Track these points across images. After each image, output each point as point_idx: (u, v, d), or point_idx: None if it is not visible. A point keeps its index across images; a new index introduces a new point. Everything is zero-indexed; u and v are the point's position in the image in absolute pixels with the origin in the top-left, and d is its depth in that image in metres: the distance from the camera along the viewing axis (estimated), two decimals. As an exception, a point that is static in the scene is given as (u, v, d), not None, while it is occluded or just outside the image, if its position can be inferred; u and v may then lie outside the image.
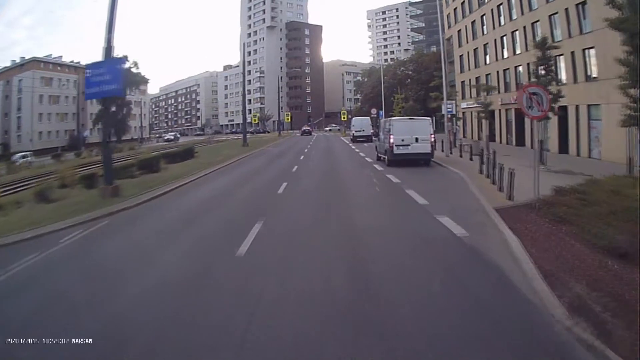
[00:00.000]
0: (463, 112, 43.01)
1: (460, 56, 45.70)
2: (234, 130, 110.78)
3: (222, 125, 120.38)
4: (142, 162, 21.62)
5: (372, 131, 41.11)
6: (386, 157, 19.93)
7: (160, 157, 23.66)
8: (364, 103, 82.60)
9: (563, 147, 28.37)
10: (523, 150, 30.60)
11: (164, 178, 18.33)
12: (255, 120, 74.83)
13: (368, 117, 44.80)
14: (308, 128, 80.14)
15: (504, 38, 37.00)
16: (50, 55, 79.72)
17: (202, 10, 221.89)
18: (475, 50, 42.52)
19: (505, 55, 36.89)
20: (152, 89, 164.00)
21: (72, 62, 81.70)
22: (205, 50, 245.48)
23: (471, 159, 20.35)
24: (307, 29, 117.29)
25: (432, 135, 19.15)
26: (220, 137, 70.84)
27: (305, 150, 33.66)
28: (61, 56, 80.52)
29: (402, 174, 16.68)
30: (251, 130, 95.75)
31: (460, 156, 22.53)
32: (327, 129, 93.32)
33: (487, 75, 39.92)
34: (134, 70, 70.50)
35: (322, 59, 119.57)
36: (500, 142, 36.36)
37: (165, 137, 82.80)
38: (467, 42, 44.19)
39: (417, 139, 18.76)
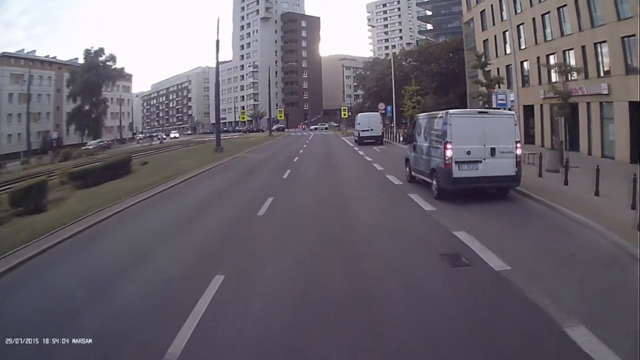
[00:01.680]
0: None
1: (485, 41, 38.64)
2: (225, 129, 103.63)
3: (213, 124, 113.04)
4: (17, 195, 12.86)
5: (382, 130, 33.83)
6: (433, 181, 11.64)
7: (43, 182, 13.76)
8: (367, 98, 75.50)
9: (635, 155, 21.32)
10: (582, 157, 23.42)
11: (19, 234, 9.78)
12: (243, 118, 67.59)
13: (377, 113, 37.03)
14: (282, 126, 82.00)
15: (547, 17, 30.01)
16: (48, 55, 72.78)
17: (197, 5, 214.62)
18: (504, 33, 35.38)
19: (549, 38, 29.87)
20: (145, 86, 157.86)
21: (47, 57, 74.34)
22: (200, 47, 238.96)
23: (566, 183, 12.39)
24: (304, 21, 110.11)
25: (519, 145, 10.88)
26: (204, 138, 63.14)
27: (295, 160, 24.35)
28: (34, 51, 73.08)
29: (484, 227, 8.45)
30: (244, 129, 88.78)
31: (540, 175, 14.08)
32: (313, 127, 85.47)
33: (522, 62, 32.91)
34: (110, 64, 63.79)
35: (320, 52, 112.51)
36: (542, 146, 29.42)
37: (91, 145, 53.95)
38: (494, 24, 37.13)
39: (493, 151, 10.65)
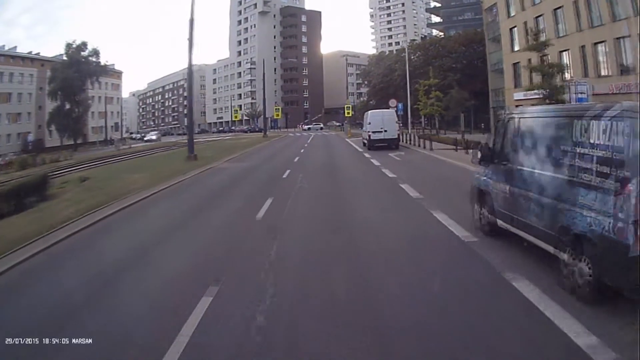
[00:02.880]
0: (517, 106, 31.37)
1: (511, 29, 33.98)
2: (221, 129, 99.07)
3: (210, 124, 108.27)
4: None
5: (398, 131, 28.80)
6: (582, 263, 4.84)
7: None
8: (372, 96, 70.78)
9: None
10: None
11: None
12: (237, 117, 62.98)
13: (392, 110, 31.85)
14: (246, 127, 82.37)
15: (593, -3, 25.39)
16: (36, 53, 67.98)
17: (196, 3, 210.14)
18: (537, 19, 30.71)
19: (597, 23, 25.22)
20: (144, 85, 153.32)
21: (29, 53, 69.53)
22: (199, 46, 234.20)
23: None
24: (304, 16, 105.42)
25: None
26: (195, 139, 58.04)
27: (286, 175, 17.36)
28: (15, 47, 68.23)
29: None
30: (244, 128, 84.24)
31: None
32: (306, 127, 79.14)
33: (560, 52, 28.21)
34: (93, 59, 58.87)
35: (321, 49, 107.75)
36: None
37: None
38: (523, 8, 32.42)
39: None
